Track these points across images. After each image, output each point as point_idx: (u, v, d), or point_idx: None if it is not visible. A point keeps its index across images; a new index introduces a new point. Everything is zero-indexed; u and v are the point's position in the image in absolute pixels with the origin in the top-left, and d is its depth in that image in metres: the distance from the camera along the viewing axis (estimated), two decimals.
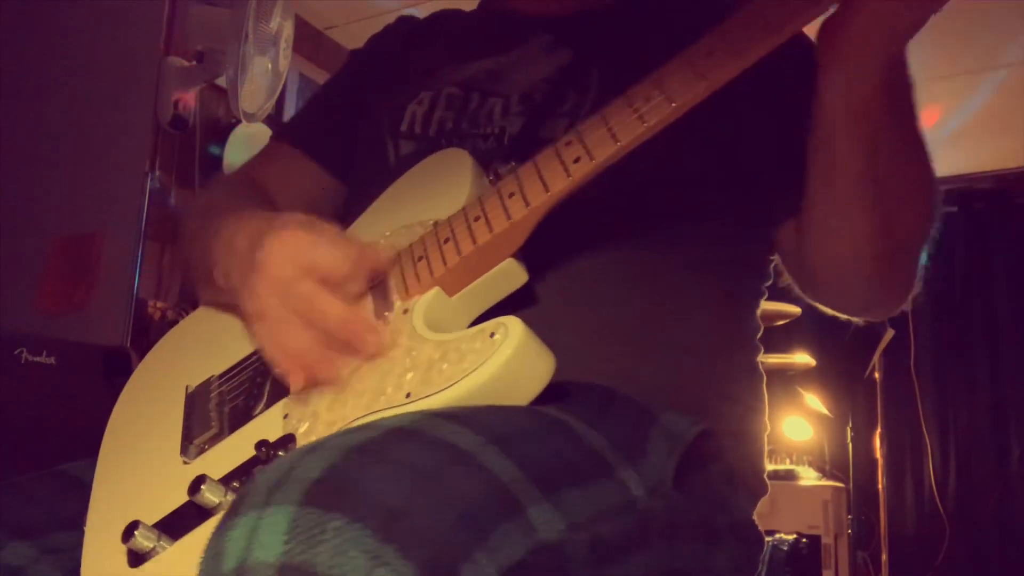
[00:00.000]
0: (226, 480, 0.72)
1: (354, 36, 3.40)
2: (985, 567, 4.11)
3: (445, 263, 0.78)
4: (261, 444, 0.73)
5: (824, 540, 3.33)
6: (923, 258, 0.90)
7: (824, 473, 3.80)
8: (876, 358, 3.62)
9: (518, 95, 0.99)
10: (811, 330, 3.39)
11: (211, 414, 0.83)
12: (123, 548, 0.71)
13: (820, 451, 4.01)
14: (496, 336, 0.67)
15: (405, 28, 1.19)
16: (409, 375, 0.69)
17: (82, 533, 0.78)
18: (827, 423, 3.94)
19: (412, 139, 1.01)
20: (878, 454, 3.67)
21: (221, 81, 2.58)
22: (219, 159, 2.78)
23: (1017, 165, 4.25)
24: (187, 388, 0.89)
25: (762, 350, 1.02)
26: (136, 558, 0.71)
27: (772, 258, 1.02)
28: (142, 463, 0.84)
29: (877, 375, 3.68)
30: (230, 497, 0.70)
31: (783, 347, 3.18)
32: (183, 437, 0.83)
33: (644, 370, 0.89)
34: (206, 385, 0.88)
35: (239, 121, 2.71)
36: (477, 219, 0.79)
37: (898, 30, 0.72)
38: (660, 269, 0.92)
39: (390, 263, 0.82)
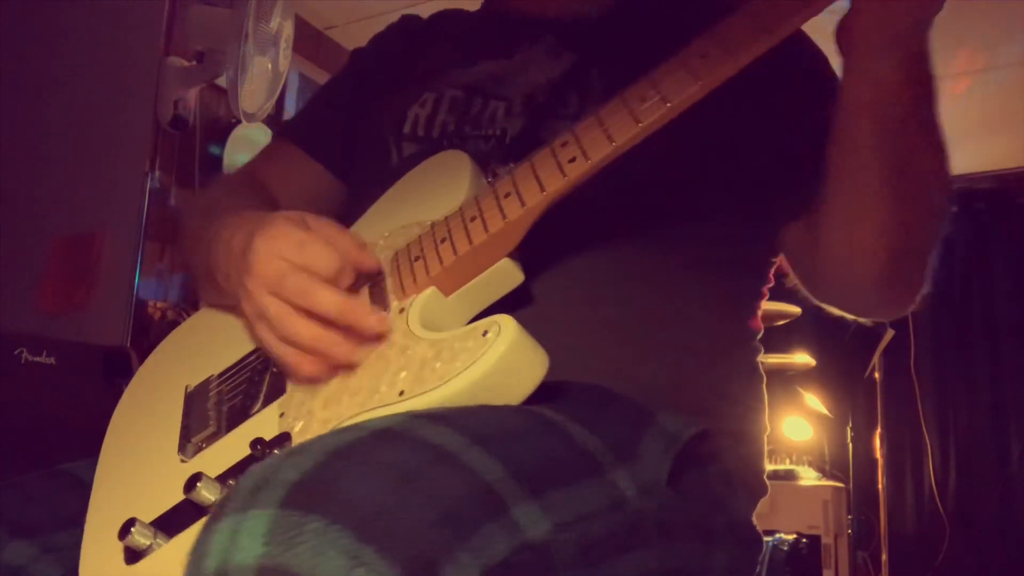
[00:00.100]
0: (222, 478, 0.73)
1: (354, 36, 3.39)
2: (985, 567, 4.10)
3: (441, 263, 0.78)
4: (256, 442, 0.73)
5: (824, 540, 3.33)
6: (934, 258, 0.90)
7: (824, 473, 3.80)
8: (876, 358, 3.62)
9: (521, 98, 0.99)
10: (811, 330, 3.38)
11: (209, 413, 0.83)
12: (120, 545, 0.72)
13: (820, 451, 4.01)
14: (489, 334, 0.68)
15: (408, 28, 1.19)
16: (403, 373, 0.70)
17: (82, 532, 0.78)
18: (827, 423, 3.93)
19: (415, 141, 1.01)
20: (878, 454, 3.67)
21: (221, 81, 2.58)
22: (219, 159, 2.78)
23: (1017, 165, 4.25)
24: (187, 387, 0.90)
25: (762, 351, 1.02)
26: (132, 555, 0.71)
27: (774, 260, 1.02)
28: (141, 461, 0.85)
29: (877, 375, 3.68)
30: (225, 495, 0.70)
31: (783, 347, 3.18)
32: (181, 436, 0.83)
33: (643, 370, 0.89)
34: (205, 384, 0.88)
35: (239, 121, 2.71)
36: (473, 219, 0.79)
37: (899, 29, 0.72)
38: (659, 269, 0.92)
39: (378, 266, 0.82)
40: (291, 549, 0.49)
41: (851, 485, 3.71)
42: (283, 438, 0.73)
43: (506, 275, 0.79)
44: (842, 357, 3.70)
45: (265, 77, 2.58)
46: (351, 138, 1.11)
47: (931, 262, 0.89)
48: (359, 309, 0.75)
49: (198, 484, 0.70)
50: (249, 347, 0.87)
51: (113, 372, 1.94)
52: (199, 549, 0.51)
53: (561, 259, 0.89)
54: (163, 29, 2.63)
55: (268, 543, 0.49)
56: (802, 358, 3.23)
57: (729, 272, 0.97)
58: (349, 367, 0.74)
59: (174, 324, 2.55)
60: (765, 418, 0.99)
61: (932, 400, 4.31)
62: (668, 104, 0.74)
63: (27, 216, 2.61)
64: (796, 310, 2.64)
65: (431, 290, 0.78)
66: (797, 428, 3.81)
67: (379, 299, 0.80)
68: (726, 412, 0.94)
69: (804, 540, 3.18)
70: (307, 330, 0.74)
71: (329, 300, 0.75)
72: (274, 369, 0.82)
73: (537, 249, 0.81)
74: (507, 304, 0.80)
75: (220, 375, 0.88)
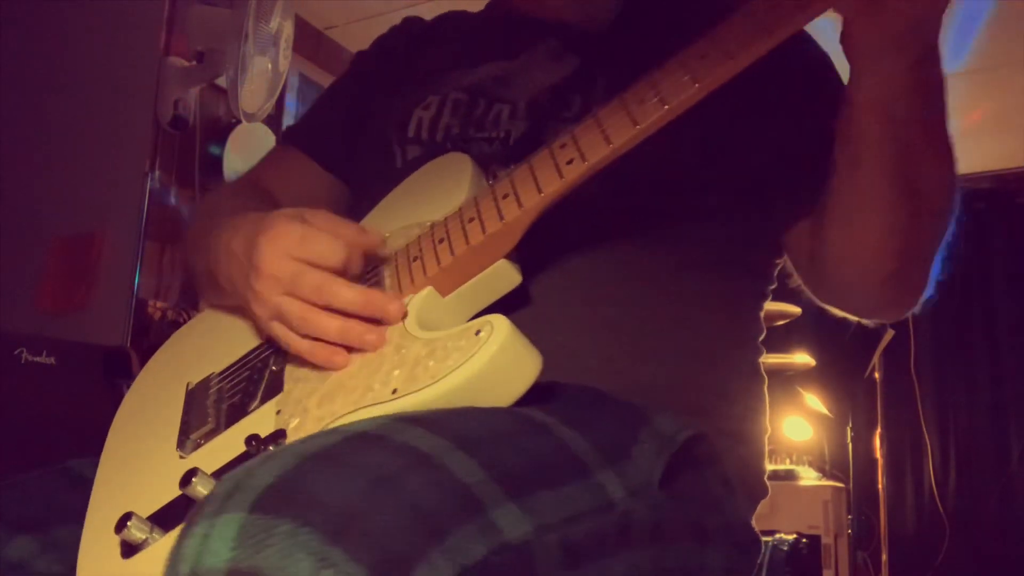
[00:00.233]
0: (218, 474, 0.73)
1: (354, 36, 3.40)
2: (985, 567, 4.10)
3: (439, 263, 0.79)
4: (251, 439, 0.74)
5: (824, 540, 3.33)
6: (937, 261, 0.90)
7: (824, 473, 3.80)
8: (876, 358, 3.62)
9: (524, 101, 0.99)
10: (811, 330, 3.38)
11: (208, 410, 0.84)
12: (118, 539, 0.72)
13: (820, 451, 4.02)
14: (482, 333, 0.68)
15: (411, 30, 1.19)
16: (396, 372, 0.70)
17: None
18: (827, 423, 3.94)
19: (418, 144, 1.01)
20: (878, 454, 3.67)
21: (221, 81, 2.58)
22: (219, 159, 2.78)
23: (1017, 165, 4.25)
24: (188, 385, 0.90)
25: (764, 352, 1.02)
26: (129, 549, 0.72)
27: (778, 261, 1.02)
28: (141, 457, 0.85)
29: (877, 375, 3.68)
30: None
31: (783, 347, 3.18)
32: (181, 432, 0.84)
33: (643, 370, 0.89)
34: (206, 382, 0.89)
35: (239, 121, 2.71)
36: (471, 220, 0.79)
37: (897, 30, 0.72)
38: (659, 269, 0.92)
39: (382, 241, 0.83)
40: (260, 552, 0.49)
41: (851, 485, 3.71)
42: (278, 435, 0.73)
43: (503, 276, 0.79)
44: (842, 357, 3.70)
45: (265, 77, 2.58)
46: (355, 141, 1.11)
47: (934, 264, 0.89)
48: (378, 297, 0.76)
49: (193, 479, 0.70)
50: (250, 346, 0.88)
51: (113, 372, 1.94)
52: (175, 553, 0.53)
53: (561, 259, 0.89)
54: (163, 29, 2.63)
55: (237, 546, 0.50)
56: (802, 358, 3.24)
57: (730, 273, 0.97)
58: (378, 349, 0.75)
59: (174, 324, 2.56)
60: (766, 419, 0.99)
61: (932, 400, 4.31)
62: (666, 106, 0.74)
63: (27, 216, 2.61)
64: (796, 310, 2.64)
65: (428, 290, 0.78)
66: (797, 428, 3.82)
67: None
68: (726, 412, 0.94)
69: (804, 540, 3.17)
70: (332, 324, 0.75)
71: (349, 294, 0.76)
72: (273, 367, 0.82)
73: (537, 249, 0.81)
74: (507, 304, 0.80)
75: (221, 373, 0.88)
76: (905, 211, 0.82)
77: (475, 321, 0.70)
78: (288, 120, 3.20)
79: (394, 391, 0.68)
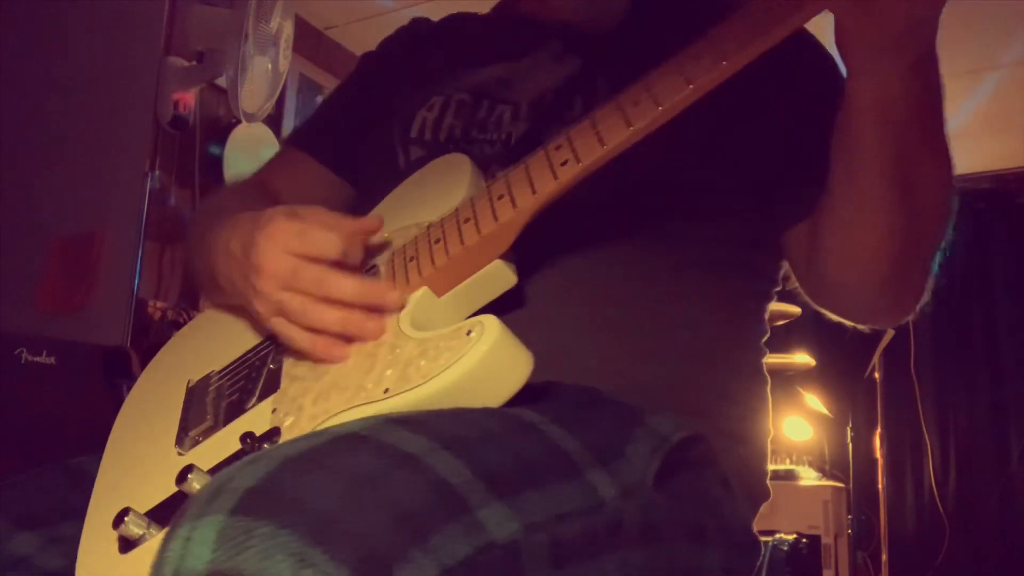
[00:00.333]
0: (215, 471, 0.73)
1: (354, 36, 3.40)
2: (985, 567, 4.10)
3: (433, 263, 0.79)
4: (246, 436, 0.74)
5: (824, 540, 3.33)
6: (935, 267, 0.89)
7: (824, 473, 3.80)
8: (876, 358, 3.62)
9: (527, 102, 0.99)
10: (811, 330, 3.39)
11: (207, 407, 0.84)
12: (116, 534, 0.73)
13: (820, 451, 4.02)
14: (472, 334, 0.68)
15: (417, 31, 1.19)
16: (389, 371, 0.70)
17: None
18: (827, 423, 3.94)
19: (421, 145, 1.02)
20: (878, 454, 3.67)
21: (221, 81, 2.58)
22: (219, 159, 2.78)
23: (1017, 165, 4.25)
24: (188, 383, 0.91)
25: (767, 353, 1.01)
26: (126, 544, 0.72)
27: (780, 263, 1.02)
28: (141, 454, 0.86)
29: (877, 375, 3.68)
30: None
31: (783, 347, 3.18)
32: (180, 429, 0.85)
33: (642, 370, 0.89)
34: (206, 380, 0.90)
35: (239, 121, 2.71)
36: (467, 221, 0.80)
37: (890, 31, 0.72)
38: (659, 270, 0.93)
39: (379, 222, 0.84)
40: (240, 554, 0.50)
41: (851, 485, 3.71)
42: (273, 433, 0.74)
43: (498, 276, 0.79)
44: (842, 357, 3.70)
45: (265, 77, 2.59)
46: (360, 142, 1.11)
47: (932, 269, 0.89)
48: (377, 287, 0.77)
49: (189, 476, 0.71)
50: (249, 344, 0.89)
51: (113, 372, 1.94)
52: (159, 556, 0.53)
53: (561, 259, 0.89)
54: (163, 29, 2.63)
55: (217, 548, 0.50)
56: (802, 358, 3.24)
57: (730, 273, 0.97)
58: (376, 339, 0.75)
59: (174, 324, 2.57)
60: (768, 421, 0.99)
61: (932, 400, 4.31)
62: (660, 107, 0.74)
63: (27, 216, 2.61)
64: (796, 310, 2.64)
65: (423, 290, 0.78)
66: (797, 428, 3.82)
67: None
68: (726, 413, 0.93)
69: (804, 540, 3.18)
70: (333, 315, 0.76)
71: (347, 285, 0.76)
72: (271, 366, 0.82)
73: (537, 250, 0.81)
74: (506, 305, 0.80)
75: (220, 371, 0.89)
76: (903, 214, 0.81)
77: (467, 321, 0.70)
78: (288, 120, 3.20)
79: (386, 390, 0.69)
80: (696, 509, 0.80)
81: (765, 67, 0.74)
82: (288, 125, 3.19)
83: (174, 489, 0.73)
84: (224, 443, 0.78)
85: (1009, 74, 3.56)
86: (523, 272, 0.82)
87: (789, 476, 3.53)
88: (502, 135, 0.98)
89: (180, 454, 0.81)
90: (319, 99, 3.38)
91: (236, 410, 0.81)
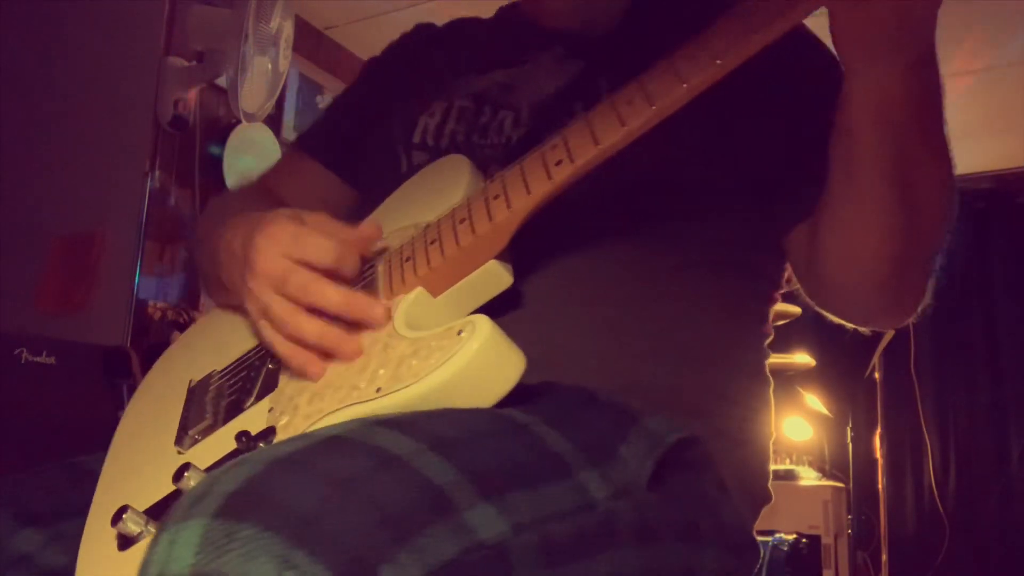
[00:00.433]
0: (212, 469, 0.74)
1: (354, 36, 3.40)
2: (985, 567, 4.10)
3: (429, 264, 0.79)
4: (241, 435, 0.74)
5: (824, 540, 3.33)
6: (936, 269, 0.89)
7: (824, 473, 3.80)
8: (876, 358, 3.63)
9: (528, 107, 0.99)
10: (811, 330, 3.38)
11: (207, 407, 0.85)
12: (115, 532, 0.73)
13: (820, 451, 4.02)
14: (463, 333, 0.68)
15: (421, 36, 1.20)
16: (382, 371, 0.71)
17: None
18: (827, 423, 3.94)
19: (424, 150, 1.02)
20: (878, 454, 3.67)
21: (221, 81, 2.59)
22: (219, 159, 2.78)
23: (1017, 165, 4.25)
24: (191, 382, 0.92)
25: (769, 354, 1.01)
26: (125, 541, 0.73)
27: (784, 263, 1.01)
28: (142, 453, 0.87)
29: (877, 375, 3.68)
30: None
31: (783, 347, 3.18)
32: (180, 428, 0.85)
33: (642, 370, 0.88)
34: (207, 379, 0.91)
35: (239, 121, 2.71)
36: (463, 221, 0.80)
37: (884, 30, 0.72)
38: (659, 270, 0.92)
39: (377, 230, 0.84)
40: (222, 556, 0.50)
41: (851, 485, 3.71)
42: (268, 432, 0.74)
43: (494, 277, 0.79)
44: (842, 357, 3.71)
45: (265, 77, 2.59)
46: (364, 147, 1.12)
47: (933, 271, 0.88)
48: (363, 301, 0.76)
49: (186, 474, 0.71)
50: (251, 344, 0.89)
51: (113, 372, 1.95)
52: (146, 559, 0.54)
53: (560, 260, 0.89)
54: (163, 29, 2.63)
55: (199, 552, 0.51)
56: (802, 358, 3.24)
57: (731, 274, 0.96)
58: (353, 359, 0.75)
59: (174, 324, 2.57)
60: (770, 423, 0.98)
61: (932, 400, 4.31)
62: (653, 107, 0.73)
63: (27, 216, 2.61)
64: (796, 310, 2.64)
65: (419, 290, 0.78)
66: (797, 428, 3.82)
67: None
68: (726, 413, 0.93)
69: (804, 540, 3.18)
70: (311, 328, 0.75)
71: (333, 296, 0.76)
72: (270, 365, 0.83)
73: (538, 250, 0.81)
74: (505, 305, 0.80)
75: (222, 371, 0.90)
76: (902, 215, 0.81)
77: (459, 321, 0.70)
78: (288, 120, 3.20)
79: (378, 389, 0.69)
80: (691, 510, 0.79)
81: (765, 66, 0.74)
82: (288, 125, 3.19)
83: (172, 487, 0.73)
84: (221, 442, 0.78)
85: (1009, 74, 3.56)
86: (523, 272, 0.82)
87: (789, 476, 3.54)
88: (503, 140, 0.98)
89: (179, 452, 0.82)
90: (319, 99, 3.38)
91: (235, 409, 0.82)
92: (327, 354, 0.76)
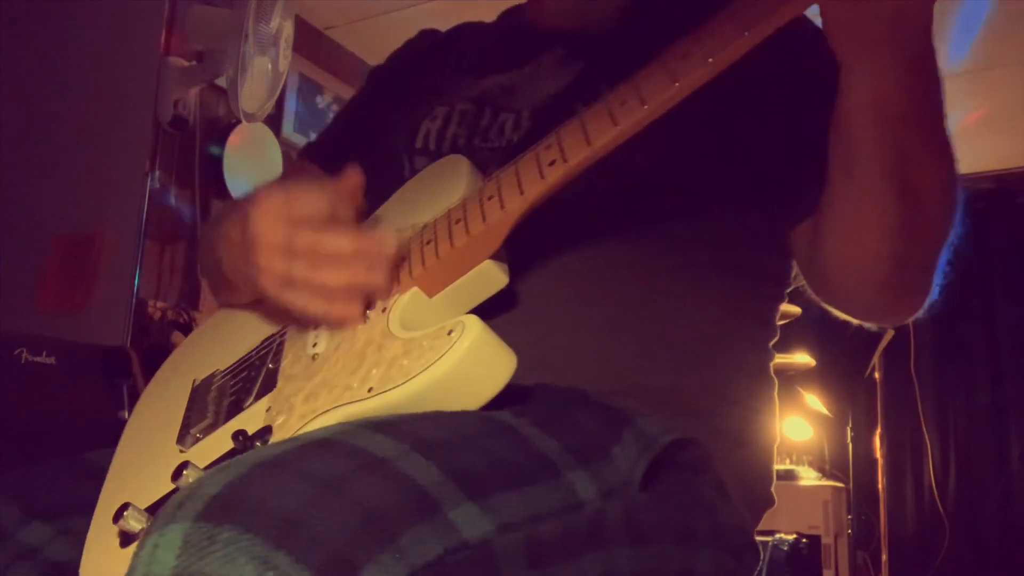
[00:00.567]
0: (209, 468, 0.74)
1: (354, 36, 3.40)
2: (985, 567, 4.11)
3: (424, 264, 0.79)
4: (238, 434, 0.75)
5: (824, 540, 3.33)
6: (941, 264, 0.88)
7: (824, 473, 3.80)
8: (876, 358, 3.62)
9: (529, 110, 0.99)
10: (811, 330, 3.37)
11: (209, 406, 0.86)
12: (117, 529, 0.74)
13: (820, 451, 4.02)
14: (453, 333, 0.68)
15: (424, 43, 1.21)
16: (374, 371, 0.71)
17: None
18: (827, 423, 3.94)
19: (426, 155, 1.02)
20: (878, 454, 3.67)
21: (221, 81, 2.59)
22: (219, 159, 2.78)
23: (1017, 165, 4.25)
24: (194, 382, 0.93)
25: (774, 355, 1.00)
26: (126, 538, 0.74)
27: (788, 263, 1.00)
28: (146, 451, 0.88)
29: (877, 375, 3.68)
30: None
31: (783, 347, 3.16)
32: (182, 427, 0.86)
33: (641, 370, 0.88)
34: (210, 379, 0.92)
35: (239, 121, 2.71)
36: (458, 222, 0.80)
37: (878, 28, 0.71)
38: (658, 271, 0.92)
39: (357, 177, 0.85)
40: (203, 559, 0.51)
41: (851, 485, 3.71)
42: (265, 431, 0.74)
43: (489, 277, 0.79)
44: (842, 357, 3.70)
45: (265, 77, 2.59)
46: (369, 156, 1.12)
47: (938, 268, 0.88)
48: (373, 237, 0.78)
49: (184, 472, 0.72)
50: (253, 344, 0.90)
51: (113, 372, 1.95)
52: (133, 562, 0.54)
53: (558, 260, 0.89)
54: (163, 29, 2.64)
55: (181, 555, 0.52)
56: (802, 358, 3.24)
57: (732, 274, 0.96)
58: (386, 291, 0.77)
59: (174, 324, 2.57)
60: (774, 424, 0.97)
61: (932, 400, 4.31)
62: (645, 106, 0.73)
63: (27, 216, 2.61)
64: (796, 310, 2.64)
65: (414, 291, 0.78)
66: (797, 428, 3.82)
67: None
68: (726, 414, 0.93)
69: (804, 540, 3.18)
70: (338, 274, 0.77)
71: (342, 239, 0.77)
72: (270, 365, 0.83)
73: (535, 250, 0.81)
74: (502, 305, 0.80)
75: (224, 370, 0.91)
76: (904, 215, 0.80)
77: (450, 322, 0.70)
78: (288, 120, 3.20)
79: (370, 389, 0.69)
80: (686, 511, 0.79)
81: (765, 64, 0.74)
82: (288, 125, 3.19)
83: (172, 485, 0.74)
84: (220, 441, 0.79)
85: (1009, 74, 3.56)
86: (521, 272, 0.82)
87: (789, 476, 3.54)
88: (503, 142, 0.98)
89: (181, 451, 0.82)
90: (319, 99, 3.38)
91: (235, 408, 0.82)
92: (360, 299, 0.77)
